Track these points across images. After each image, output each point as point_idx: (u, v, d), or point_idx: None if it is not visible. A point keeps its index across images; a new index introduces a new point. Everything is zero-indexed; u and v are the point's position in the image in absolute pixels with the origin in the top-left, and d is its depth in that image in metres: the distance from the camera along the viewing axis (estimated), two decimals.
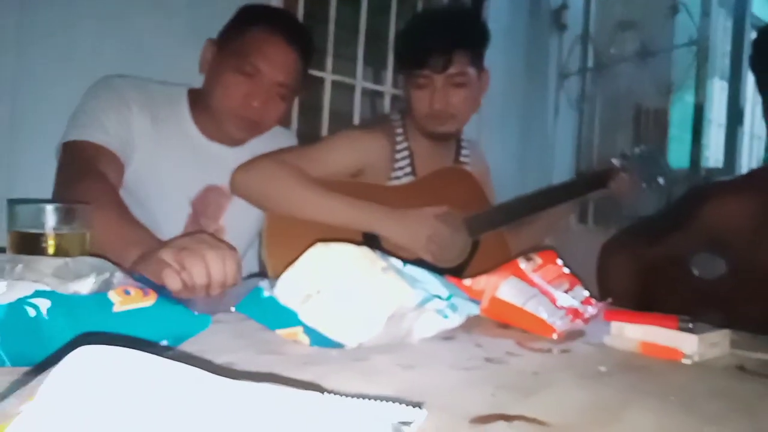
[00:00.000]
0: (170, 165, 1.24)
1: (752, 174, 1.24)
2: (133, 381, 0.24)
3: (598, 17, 2.58)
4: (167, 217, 1.24)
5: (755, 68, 1.05)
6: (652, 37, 2.26)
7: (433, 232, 1.26)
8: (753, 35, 2.16)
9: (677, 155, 2.39)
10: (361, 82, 2.07)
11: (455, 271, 1.29)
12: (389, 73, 2.13)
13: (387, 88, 2.15)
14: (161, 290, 0.61)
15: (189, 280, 0.75)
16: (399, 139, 1.37)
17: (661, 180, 1.45)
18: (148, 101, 1.23)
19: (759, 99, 1.05)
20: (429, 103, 1.29)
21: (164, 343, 0.53)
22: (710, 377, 0.54)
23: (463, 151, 1.47)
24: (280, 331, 0.58)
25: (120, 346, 0.26)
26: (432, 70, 1.27)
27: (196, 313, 0.56)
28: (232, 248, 0.80)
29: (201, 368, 0.26)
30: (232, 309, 0.61)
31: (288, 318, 0.57)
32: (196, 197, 1.28)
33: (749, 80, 2.52)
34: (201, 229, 1.26)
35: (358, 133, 1.38)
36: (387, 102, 2.16)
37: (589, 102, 2.57)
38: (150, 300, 0.55)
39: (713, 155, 2.83)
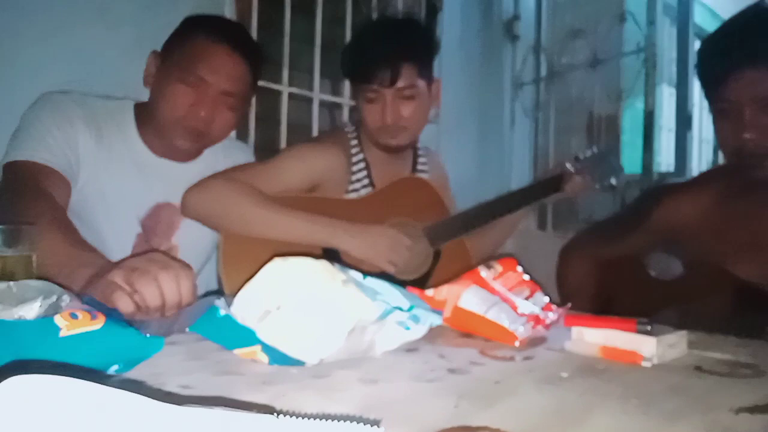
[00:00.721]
0: (117, 183, 1.20)
1: (703, 176, 1.29)
2: (67, 411, 0.22)
3: (549, 27, 2.64)
4: (116, 237, 1.20)
5: (700, 76, 1.09)
6: (602, 46, 2.33)
7: (394, 244, 1.25)
8: (697, 43, 2.25)
9: (630, 160, 2.46)
10: (318, 94, 2.06)
11: (419, 282, 1.28)
12: (347, 85, 2.13)
13: (345, 99, 2.14)
14: (111, 313, 0.58)
15: (141, 301, 0.72)
16: (354, 150, 1.36)
17: (613, 179, 1.49)
18: (92, 117, 1.19)
19: (706, 104, 1.09)
20: (380, 117, 1.28)
21: (114, 368, 0.50)
22: (669, 378, 0.55)
23: (420, 160, 1.47)
24: (237, 351, 0.56)
25: (60, 373, 0.24)
26: (380, 84, 1.26)
27: (148, 335, 0.54)
28: (186, 266, 0.77)
29: (148, 394, 0.24)
30: (187, 330, 0.59)
31: (245, 337, 0.55)
32: (146, 216, 1.24)
33: (696, 86, 2.62)
34: (152, 248, 1.22)
35: (311, 148, 1.36)
36: (346, 113, 2.15)
37: (543, 110, 2.62)
38: (98, 323, 0.53)
39: (665, 160, 2.92)
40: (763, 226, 1.07)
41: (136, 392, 0.24)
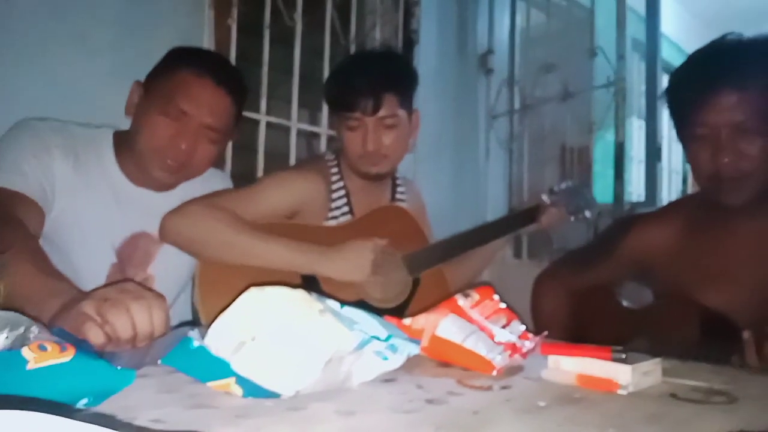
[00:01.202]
0: (93, 212, 1.18)
1: (672, 205, 1.31)
2: None
3: (522, 61, 2.70)
4: (89, 266, 1.17)
5: (672, 104, 1.12)
6: (573, 80, 2.39)
7: (375, 258, 1.24)
8: (665, 77, 2.32)
9: (602, 191, 2.50)
10: (296, 123, 2.07)
11: (397, 311, 1.28)
12: (325, 115, 2.14)
13: (323, 129, 2.16)
14: (81, 344, 0.57)
15: (112, 333, 0.70)
16: (335, 178, 1.37)
17: (587, 212, 1.52)
18: (70, 145, 1.17)
19: (674, 136, 1.12)
20: (362, 145, 1.30)
21: (84, 401, 0.49)
22: (645, 406, 0.55)
23: (399, 189, 1.48)
24: (211, 383, 0.55)
25: (27, 408, 0.23)
26: (362, 112, 1.28)
27: (119, 367, 0.53)
28: (158, 297, 0.76)
29: (119, 429, 0.24)
30: (159, 362, 0.57)
31: (220, 369, 0.54)
32: (122, 245, 1.22)
33: (665, 119, 2.70)
34: (126, 278, 1.20)
35: (292, 174, 1.37)
36: (323, 143, 2.17)
37: (517, 141, 2.67)
38: (68, 355, 0.51)
39: (635, 190, 2.99)
40: (729, 256, 1.10)
41: (106, 427, 0.24)
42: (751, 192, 1.03)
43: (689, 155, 1.09)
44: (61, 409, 0.47)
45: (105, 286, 0.79)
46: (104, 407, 0.49)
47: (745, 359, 0.88)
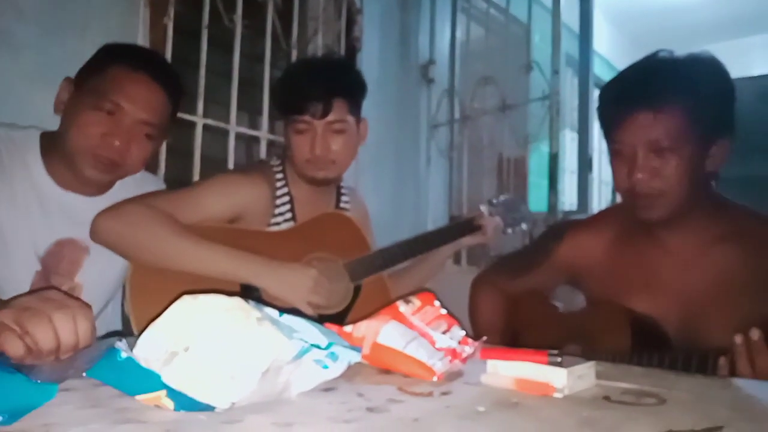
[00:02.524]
0: (17, 218, 1.12)
1: (603, 213, 1.36)
2: None
3: (462, 73, 2.76)
4: (12, 275, 1.10)
5: (600, 120, 1.16)
6: (510, 92, 2.46)
7: (315, 286, 1.22)
8: (596, 92, 2.42)
9: (536, 200, 2.59)
10: (235, 127, 2.03)
11: (338, 317, 1.27)
12: (265, 119, 2.11)
13: (263, 133, 2.12)
14: None
15: (33, 344, 0.66)
16: (279, 184, 1.35)
17: (524, 225, 1.58)
18: None
19: (605, 149, 1.16)
20: (309, 149, 1.29)
21: None
22: (580, 410, 0.57)
23: (343, 197, 1.48)
24: (140, 397, 0.52)
25: None
26: (312, 116, 1.27)
27: (39, 381, 0.49)
28: (83, 306, 0.71)
29: None
30: (84, 374, 0.54)
31: (149, 381, 0.51)
32: (47, 253, 1.15)
33: (596, 131, 2.82)
34: (50, 286, 1.13)
35: (236, 178, 1.34)
36: (263, 147, 2.13)
37: (457, 151, 2.72)
38: None
39: (568, 199, 3.11)
40: (654, 265, 1.15)
41: None
42: (666, 209, 1.06)
43: (611, 168, 1.13)
44: None
45: (25, 294, 0.74)
46: (22, 425, 0.45)
47: (735, 365, 0.88)
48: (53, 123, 1.19)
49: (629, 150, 1.06)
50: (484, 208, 1.52)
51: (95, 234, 1.15)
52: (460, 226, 1.52)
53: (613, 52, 4.32)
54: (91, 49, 1.22)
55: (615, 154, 1.10)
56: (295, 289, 1.20)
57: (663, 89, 1.03)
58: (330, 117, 1.28)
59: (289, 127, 1.32)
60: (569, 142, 3.38)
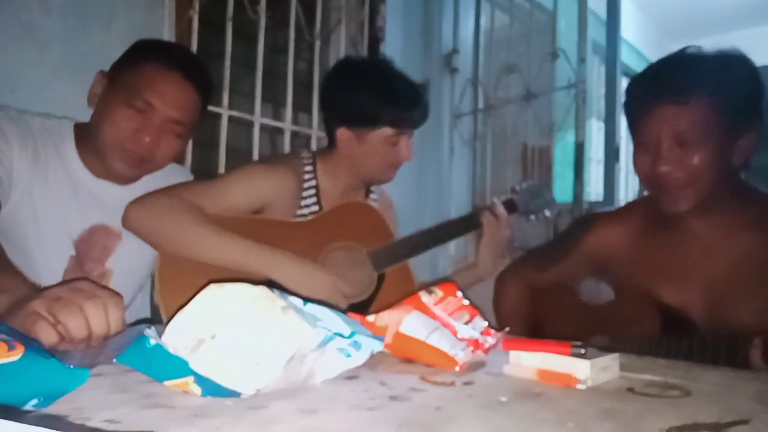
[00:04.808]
0: (52, 204, 1.15)
1: (630, 205, 1.35)
2: None
3: (486, 62, 2.73)
4: (47, 258, 1.14)
5: (626, 111, 1.15)
6: (535, 81, 2.43)
7: (332, 290, 1.21)
8: (624, 80, 2.38)
9: (561, 191, 2.55)
10: (259, 118, 2.04)
11: (362, 306, 1.28)
12: (289, 110, 2.12)
13: (287, 124, 2.13)
14: (31, 343, 0.55)
15: (65, 333, 0.68)
16: (307, 176, 1.36)
17: (547, 212, 1.56)
18: (29, 136, 1.14)
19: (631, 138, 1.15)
20: (401, 156, 1.38)
21: (33, 402, 0.47)
22: (602, 400, 0.56)
23: (372, 195, 1.50)
24: (168, 383, 0.53)
25: None
26: (414, 126, 1.39)
27: (71, 366, 0.51)
28: (114, 295, 0.73)
29: (70, 431, 0.23)
30: (114, 360, 0.56)
31: (177, 367, 0.53)
32: (80, 238, 1.19)
33: (623, 121, 2.77)
34: (84, 272, 1.17)
35: (262, 169, 1.35)
36: (287, 139, 2.14)
37: (480, 141, 2.70)
38: (16, 354, 0.49)
39: (594, 190, 3.06)
40: (682, 255, 1.13)
41: (56, 429, 0.23)
42: (690, 202, 1.06)
43: (634, 159, 1.12)
44: (9, 411, 0.45)
45: (56, 285, 0.76)
46: (55, 408, 0.47)
47: (751, 361, 0.91)
48: (79, 113, 1.22)
49: (654, 142, 1.05)
50: (504, 197, 1.52)
51: (125, 222, 1.19)
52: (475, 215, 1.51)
53: (641, 39, 4.23)
54: (117, 41, 1.24)
55: (640, 147, 1.09)
56: (311, 289, 1.18)
57: (689, 82, 1.03)
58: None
59: (377, 139, 1.34)
60: (595, 131, 3.33)
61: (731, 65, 1.04)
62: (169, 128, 1.18)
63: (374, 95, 1.33)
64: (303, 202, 1.34)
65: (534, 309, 1.37)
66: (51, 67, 1.50)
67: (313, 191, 1.36)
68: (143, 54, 1.21)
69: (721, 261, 1.08)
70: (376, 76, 1.38)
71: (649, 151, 1.07)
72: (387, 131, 1.32)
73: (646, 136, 1.07)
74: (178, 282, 1.14)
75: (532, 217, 1.56)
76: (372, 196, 1.50)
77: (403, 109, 1.33)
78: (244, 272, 1.17)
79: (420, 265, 1.48)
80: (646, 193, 1.19)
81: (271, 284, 0.61)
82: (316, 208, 1.35)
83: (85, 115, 1.22)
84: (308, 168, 1.37)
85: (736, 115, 1.02)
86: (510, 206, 1.50)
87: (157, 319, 1.18)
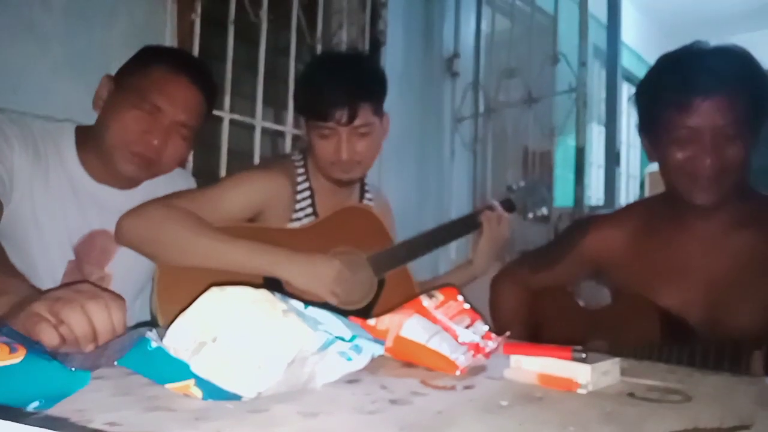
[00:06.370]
0: (52, 207, 1.15)
1: (629, 207, 1.34)
2: None
3: (487, 65, 2.74)
4: (46, 262, 1.14)
5: (640, 112, 1.14)
6: (536, 85, 2.43)
7: (338, 275, 1.22)
8: (624, 84, 2.38)
9: (562, 194, 2.55)
10: (260, 121, 2.04)
11: (363, 311, 1.27)
12: (290, 113, 2.12)
13: (288, 128, 2.13)
14: (33, 345, 0.55)
15: (68, 333, 0.68)
16: (300, 179, 1.35)
17: (544, 209, 1.56)
18: (30, 137, 1.14)
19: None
20: (334, 153, 1.27)
21: (35, 404, 0.47)
22: (603, 405, 0.56)
23: (367, 194, 1.49)
24: (169, 385, 0.53)
25: None
26: (337, 122, 1.25)
27: (72, 368, 0.51)
28: (116, 297, 0.73)
29: None
30: (115, 363, 0.56)
31: (178, 370, 0.53)
32: (80, 242, 1.19)
33: (623, 125, 2.77)
34: (83, 276, 1.17)
35: (255, 175, 1.34)
36: (288, 142, 2.14)
37: (481, 144, 2.70)
38: (18, 356, 0.49)
39: (595, 194, 3.06)
40: (683, 257, 1.13)
41: (58, 431, 0.23)
42: (719, 194, 1.06)
43: (665, 156, 1.10)
44: (11, 413, 0.45)
45: (58, 287, 0.76)
46: (57, 410, 0.47)
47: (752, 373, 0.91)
48: (80, 111, 1.23)
49: (695, 135, 1.04)
50: (502, 197, 1.52)
51: (119, 235, 1.16)
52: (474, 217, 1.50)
53: (642, 44, 4.24)
54: (118, 41, 1.25)
55: (674, 141, 1.07)
56: (318, 279, 1.20)
57: (726, 74, 1.03)
58: (355, 122, 1.26)
59: (312, 131, 1.30)
60: (596, 135, 3.33)
61: (753, 61, 1.06)
62: (176, 131, 1.19)
63: (302, 85, 1.39)
64: (298, 205, 1.34)
65: (530, 311, 1.36)
66: (52, 65, 1.50)
67: (307, 193, 1.35)
68: (150, 58, 1.22)
69: (721, 261, 1.08)
70: (314, 67, 1.41)
71: (687, 145, 1.06)
72: (315, 123, 1.28)
73: (685, 130, 1.05)
74: (176, 291, 1.12)
75: (530, 214, 1.57)
76: (367, 195, 1.48)
77: (320, 101, 1.26)
78: (246, 273, 1.16)
79: (420, 267, 1.48)
80: (648, 194, 1.18)
81: (271, 287, 0.61)
82: (310, 210, 1.34)
83: (86, 113, 1.22)
84: (300, 170, 1.36)
85: (760, 111, 1.04)
86: (508, 206, 1.49)
87: (157, 324, 1.18)
